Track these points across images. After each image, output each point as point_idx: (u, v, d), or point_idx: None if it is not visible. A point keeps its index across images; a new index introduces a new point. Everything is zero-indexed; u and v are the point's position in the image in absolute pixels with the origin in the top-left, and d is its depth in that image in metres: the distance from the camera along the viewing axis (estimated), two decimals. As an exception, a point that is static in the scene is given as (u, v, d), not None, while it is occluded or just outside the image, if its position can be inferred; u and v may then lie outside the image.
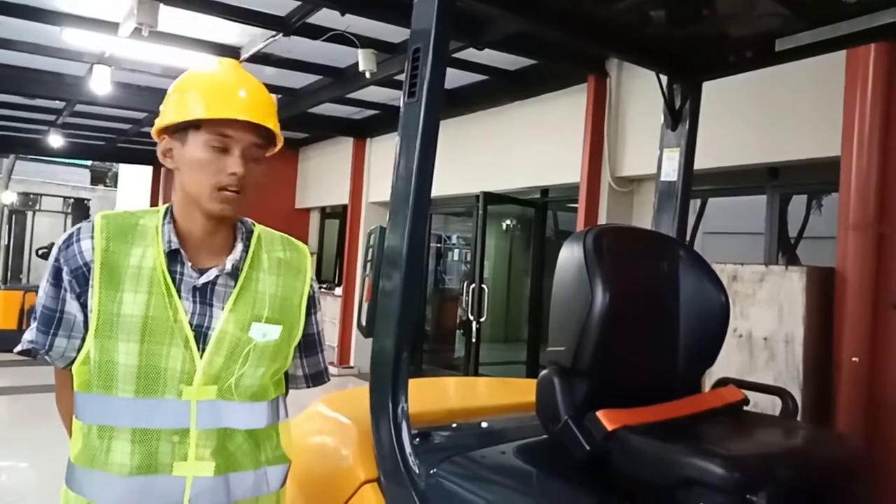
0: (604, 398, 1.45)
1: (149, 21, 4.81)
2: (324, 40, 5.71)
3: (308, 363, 1.52)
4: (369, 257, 1.68)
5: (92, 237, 1.31)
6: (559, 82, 6.20)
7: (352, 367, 9.07)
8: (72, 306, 1.31)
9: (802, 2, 1.80)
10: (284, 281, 1.42)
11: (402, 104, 1.63)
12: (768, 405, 1.93)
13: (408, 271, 1.57)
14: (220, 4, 5.18)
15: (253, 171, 1.33)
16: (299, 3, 5.14)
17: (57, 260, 1.32)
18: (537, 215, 7.53)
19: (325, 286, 10.27)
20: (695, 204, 5.66)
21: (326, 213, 11.03)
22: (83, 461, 1.31)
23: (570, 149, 5.91)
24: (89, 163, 20.87)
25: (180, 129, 1.32)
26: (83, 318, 1.30)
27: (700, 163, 2.27)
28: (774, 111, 4.49)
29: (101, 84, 6.86)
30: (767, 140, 4.57)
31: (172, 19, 5.34)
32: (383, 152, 8.91)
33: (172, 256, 1.32)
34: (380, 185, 8.98)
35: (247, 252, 1.39)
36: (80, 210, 11.95)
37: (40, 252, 9.88)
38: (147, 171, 14.68)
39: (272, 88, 6.76)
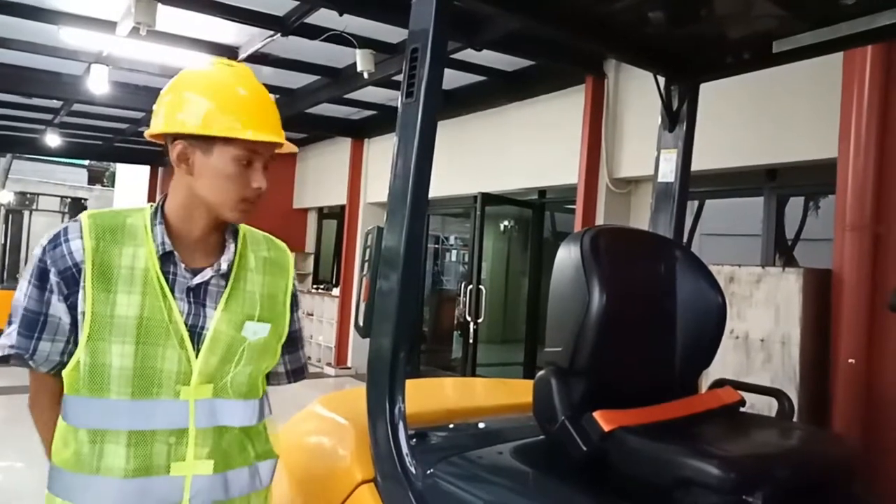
0: (601, 399, 1.45)
1: (147, 20, 4.81)
2: (322, 40, 5.70)
3: (290, 359, 1.53)
4: (367, 257, 1.68)
5: (81, 237, 1.28)
6: (557, 83, 6.21)
7: (349, 368, 9.06)
8: (57, 308, 1.28)
9: (800, 3, 1.80)
10: (270, 280, 1.44)
11: (399, 104, 1.63)
12: (765, 406, 1.94)
13: (405, 272, 1.57)
14: (218, 4, 5.17)
15: (266, 178, 1.36)
16: (297, 2, 5.14)
17: (42, 260, 1.28)
18: (535, 216, 7.54)
19: (322, 286, 10.27)
20: (692, 205, 5.67)
21: (324, 213, 11.02)
22: (72, 466, 1.28)
23: (567, 150, 5.92)
24: (87, 162, 20.84)
25: (205, 138, 1.29)
26: (69, 320, 1.28)
27: (697, 164, 2.28)
28: (772, 113, 4.50)
29: (98, 83, 6.85)
30: (765, 142, 4.58)
31: (170, 19, 5.33)
32: (381, 153, 8.91)
33: (165, 257, 1.32)
34: (377, 185, 8.98)
35: (235, 252, 1.41)
36: (77, 209, 11.94)
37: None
38: (144, 170, 14.65)
39: (270, 88, 6.74)
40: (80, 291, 1.27)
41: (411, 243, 1.57)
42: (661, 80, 2.19)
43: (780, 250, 5.17)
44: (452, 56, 5.67)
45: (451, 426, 1.81)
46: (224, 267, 1.36)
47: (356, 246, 9.15)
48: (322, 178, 10.35)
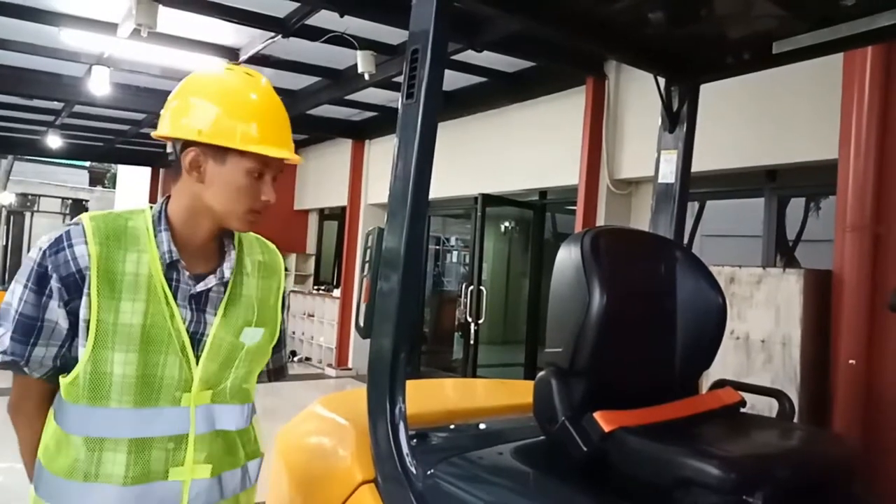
0: (601, 399, 1.45)
1: (148, 22, 4.81)
2: (323, 42, 5.71)
3: (273, 359, 1.53)
4: (367, 258, 1.68)
5: (85, 242, 1.25)
6: (557, 84, 6.21)
7: (350, 369, 9.06)
8: (56, 314, 1.25)
9: (800, 4, 1.80)
10: (262, 283, 1.45)
11: (400, 105, 1.64)
12: (765, 407, 1.94)
13: (406, 272, 1.57)
14: (219, 6, 5.18)
15: (275, 190, 1.36)
16: (298, 4, 5.14)
17: (41, 265, 1.24)
18: (535, 217, 7.54)
19: (323, 288, 10.27)
20: (693, 207, 5.67)
21: (325, 214, 11.02)
22: (67, 473, 1.26)
23: (568, 151, 5.92)
24: (88, 164, 20.86)
25: (219, 148, 1.28)
26: (67, 325, 1.26)
27: (698, 165, 2.28)
28: (772, 114, 4.50)
29: (99, 85, 6.86)
30: (765, 142, 4.58)
31: (171, 20, 5.34)
32: (382, 154, 8.92)
33: (169, 264, 1.31)
34: (378, 186, 8.98)
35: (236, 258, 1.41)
36: (78, 211, 11.97)
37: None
38: (145, 172, 14.66)
39: (271, 90, 6.74)
40: (84, 298, 1.24)
41: (412, 244, 1.58)
42: (662, 80, 2.19)
43: (781, 251, 5.17)
44: (453, 57, 5.67)
45: (452, 427, 1.81)
46: (227, 274, 1.36)
47: (357, 247, 9.15)
48: (323, 179, 10.35)
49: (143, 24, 4.80)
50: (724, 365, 3.22)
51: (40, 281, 1.25)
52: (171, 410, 1.29)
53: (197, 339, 1.32)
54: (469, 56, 5.63)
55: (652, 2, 1.82)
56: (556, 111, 6.34)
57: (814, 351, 3.42)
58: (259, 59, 6.28)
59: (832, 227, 3.43)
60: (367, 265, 1.67)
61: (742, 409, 1.68)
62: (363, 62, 5.77)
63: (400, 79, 1.66)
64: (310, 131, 9.67)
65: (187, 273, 1.32)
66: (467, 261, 10.09)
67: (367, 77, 5.97)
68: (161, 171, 14.39)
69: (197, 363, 1.31)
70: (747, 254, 5.60)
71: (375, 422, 1.59)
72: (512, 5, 1.87)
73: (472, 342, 6.51)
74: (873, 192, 3.22)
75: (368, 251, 1.68)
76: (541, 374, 1.53)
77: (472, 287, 6.44)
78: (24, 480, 1.41)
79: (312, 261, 11.03)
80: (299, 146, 10.92)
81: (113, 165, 19.54)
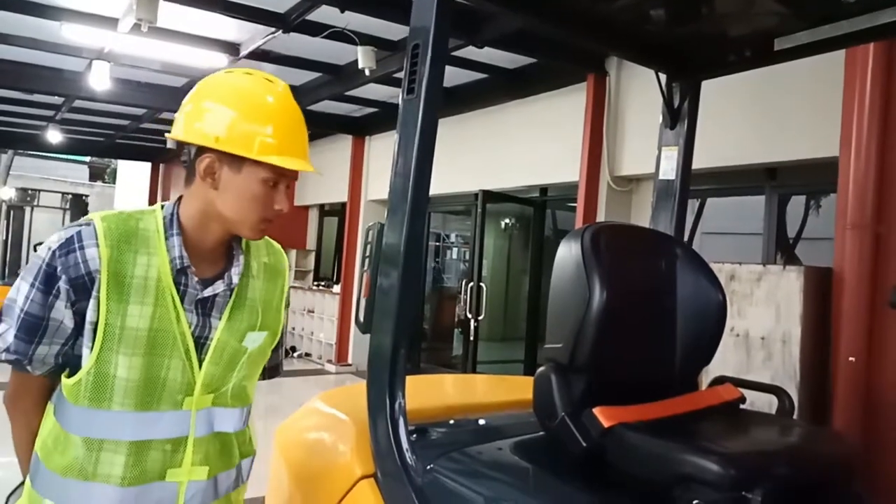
0: (601, 395, 1.45)
1: (148, 17, 4.80)
2: (323, 37, 5.70)
3: (269, 357, 1.52)
4: (367, 254, 1.68)
5: (97, 244, 1.23)
6: (558, 81, 6.20)
7: (350, 365, 9.07)
8: (62, 313, 1.24)
9: (801, 1, 1.80)
10: (267, 285, 1.44)
11: (400, 101, 1.63)
12: (765, 404, 1.94)
13: (406, 269, 1.57)
14: (220, 1, 5.17)
15: (289, 199, 1.35)
16: (299, -1, 5.14)
17: (51, 265, 1.23)
18: (536, 214, 7.53)
19: (323, 284, 10.27)
20: (693, 204, 5.67)
21: (325, 210, 11.02)
22: (65, 471, 1.26)
23: (568, 148, 5.91)
24: (88, 159, 20.83)
25: (235, 156, 1.25)
26: (72, 325, 1.25)
27: (698, 162, 2.27)
28: (773, 111, 4.49)
29: (100, 80, 6.85)
30: (766, 140, 4.57)
31: (172, 15, 5.33)
32: (382, 150, 8.91)
33: (179, 270, 1.30)
34: (379, 182, 8.98)
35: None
36: (78, 206, 11.97)
37: (38, 248, 9.88)
38: (145, 167, 14.67)
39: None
40: (92, 301, 1.23)
41: (412, 240, 1.57)
42: (663, 77, 2.19)
43: (782, 249, 5.17)
44: (454, 53, 5.66)
45: (452, 422, 1.81)
46: (235, 280, 1.36)
47: (357, 243, 9.15)
48: (323, 175, 10.30)
49: (143, 19, 4.79)
50: (724, 362, 3.22)
51: (48, 281, 1.23)
52: (173, 414, 1.29)
53: (201, 343, 1.32)
54: (470, 52, 5.62)
55: (654, -2, 1.82)
56: (556, 108, 6.33)
57: (814, 348, 3.42)
58: (259, 55, 6.27)
59: (832, 226, 3.43)
60: (367, 261, 1.67)
61: (742, 406, 1.68)
62: (364, 58, 5.77)
63: (400, 75, 1.65)
64: (310, 127, 9.40)
65: (195, 278, 1.31)
66: (467, 257, 10.09)
67: (367, 73, 5.96)
68: (161, 166, 14.41)
69: (200, 367, 1.31)
70: (748, 251, 5.60)
71: (375, 417, 1.59)
72: (514, 2, 1.87)
73: (471, 339, 6.52)
74: (874, 190, 3.22)
75: (369, 247, 1.68)
76: (540, 369, 1.53)
77: (472, 283, 6.45)
78: (19, 477, 1.41)
79: (312, 257, 11.03)
80: (300, 142, 10.88)
81: (113, 161, 19.54)
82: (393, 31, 5.58)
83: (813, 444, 1.57)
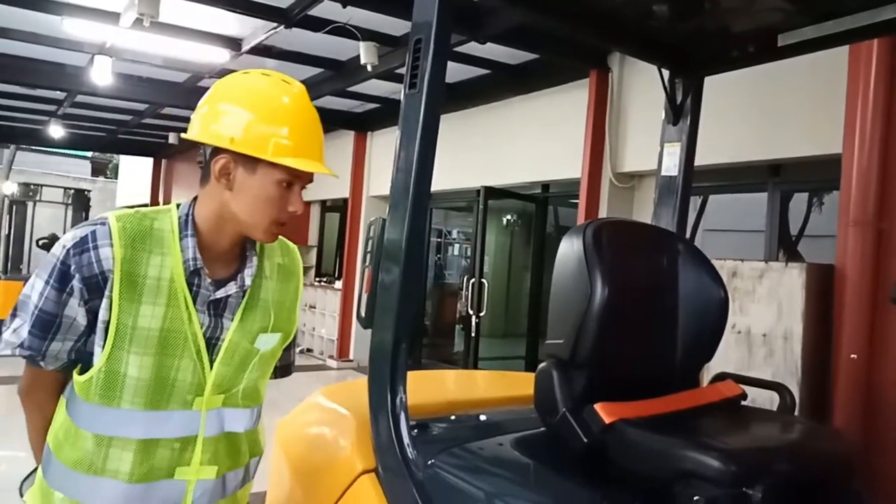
0: (602, 391, 1.45)
1: (150, 12, 4.80)
2: (325, 33, 5.69)
3: (281, 357, 1.52)
4: (369, 249, 1.68)
5: (111, 244, 1.24)
6: (561, 77, 6.19)
7: (351, 361, 9.09)
8: (75, 311, 1.25)
9: (805, -3, 1.79)
10: (280, 286, 1.44)
11: (402, 96, 1.63)
12: (766, 401, 1.94)
13: (407, 264, 1.57)
14: (222, -5, 5.17)
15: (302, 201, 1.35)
16: (301, -6, 5.13)
17: (65, 264, 1.24)
18: (538, 210, 7.53)
19: (325, 280, 10.28)
20: (695, 201, 5.66)
21: (327, 206, 11.02)
22: (75, 464, 1.28)
23: (571, 144, 5.90)
24: (90, 154, 20.86)
25: (251, 157, 1.25)
26: (85, 322, 1.26)
27: (701, 159, 2.27)
28: (776, 108, 4.48)
29: (101, 75, 6.85)
30: (769, 137, 4.56)
31: (174, 10, 5.33)
32: (384, 146, 8.91)
33: (192, 271, 1.30)
34: (380, 178, 8.98)
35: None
36: (80, 201, 11.95)
37: (41, 243, 9.88)
38: (147, 162, 14.67)
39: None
40: (104, 300, 1.24)
41: (413, 236, 1.57)
42: (666, 73, 2.18)
43: (784, 246, 5.16)
44: (456, 49, 5.65)
45: (453, 418, 1.81)
46: (248, 282, 1.36)
47: (359, 239, 9.16)
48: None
49: (145, 14, 4.79)
50: (726, 359, 3.22)
51: (62, 279, 1.24)
52: (182, 413, 1.30)
53: (212, 344, 1.32)
54: (472, 48, 5.61)
55: (657, -7, 1.81)
56: (559, 104, 6.32)
57: (815, 345, 3.42)
58: (261, 50, 6.26)
59: (835, 223, 3.42)
60: (368, 256, 1.67)
61: (743, 403, 1.68)
62: (366, 53, 5.76)
63: (402, 70, 1.65)
64: None
65: (208, 279, 1.31)
66: (469, 253, 10.09)
67: (369, 68, 5.96)
68: (163, 161, 14.41)
69: (211, 368, 1.31)
70: (750, 249, 5.59)
71: (376, 412, 1.59)
72: (515, -4, 1.86)
73: (473, 335, 6.52)
74: (877, 186, 3.21)
75: (370, 242, 1.68)
76: (542, 365, 1.53)
77: (473, 280, 6.45)
78: (25, 470, 1.42)
79: (314, 253, 11.04)
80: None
81: (115, 156, 19.55)
82: (395, 26, 5.57)
83: (813, 441, 1.57)
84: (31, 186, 12.17)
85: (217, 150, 1.27)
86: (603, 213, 5.68)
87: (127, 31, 5.60)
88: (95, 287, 1.24)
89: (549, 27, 3.25)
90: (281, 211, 1.30)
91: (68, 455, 1.28)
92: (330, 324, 9.60)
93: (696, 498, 1.21)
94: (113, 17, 5.54)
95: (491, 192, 6.89)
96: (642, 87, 5.44)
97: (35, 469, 1.41)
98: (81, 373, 1.29)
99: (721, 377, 1.76)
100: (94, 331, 1.26)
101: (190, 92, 7.86)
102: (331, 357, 9.28)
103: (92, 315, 1.25)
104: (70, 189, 12.59)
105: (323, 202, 11.03)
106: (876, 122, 3.23)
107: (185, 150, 12.03)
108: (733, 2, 1.86)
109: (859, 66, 3.30)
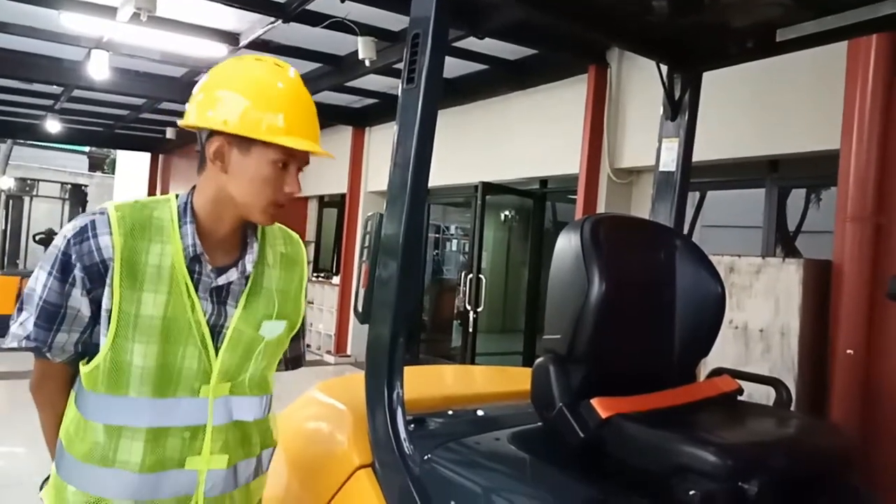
0: (599, 386, 1.45)
1: (147, 6, 4.79)
2: (323, 27, 5.68)
3: (291, 348, 1.53)
4: (366, 244, 1.68)
5: (110, 233, 1.25)
6: (560, 72, 6.18)
7: (349, 356, 9.09)
8: (79, 301, 1.26)
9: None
10: (284, 275, 1.44)
11: (400, 90, 1.63)
12: (763, 396, 1.94)
13: (404, 259, 1.57)
14: (219, -10, 5.15)
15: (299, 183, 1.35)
16: (299, -11, 5.11)
17: (66, 254, 1.25)
18: (536, 206, 7.52)
19: (322, 275, 10.28)
20: (693, 197, 5.66)
21: (325, 201, 11.00)
22: (86, 457, 1.28)
23: (569, 140, 5.90)
24: (87, 149, 20.79)
25: (244, 138, 1.26)
26: (89, 313, 1.27)
27: (699, 155, 2.27)
28: (774, 104, 4.48)
29: (99, 69, 6.83)
30: (767, 132, 4.56)
31: (171, 4, 5.31)
32: (382, 141, 8.89)
33: (193, 258, 1.30)
34: (378, 174, 8.96)
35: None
36: (77, 196, 11.94)
37: (37, 238, 9.88)
38: (145, 157, 14.63)
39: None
40: (106, 288, 1.25)
41: (411, 231, 1.57)
42: (664, 68, 2.18)
43: (782, 242, 5.17)
44: (454, 44, 5.64)
45: (450, 412, 1.81)
46: (249, 268, 1.36)
47: (357, 234, 9.15)
48: (323, 166, 10.27)
49: (142, 8, 4.78)
50: (723, 354, 3.23)
51: (64, 269, 1.25)
52: (190, 401, 1.30)
53: (217, 332, 1.32)
54: (470, 43, 5.60)
55: (655, -12, 1.81)
56: (557, 99, 6.31)
57: (812, 341, 3.43)
58: (259, 45, 6.24)
59: (833, 219, 3.42)
60: (366, 251, 1.67)
61: (739, 398, 1.69)
62: (364, 48, 5.74)
63: (401, 66, 1.64)
64: None
65: (209, 266, 1.32)
66: (467, 249, 10.09)
67: (367, 63, 5.94)
68: (160, 156, 14.38)
69: (216, 355, 1.32)
70: (748, 244, 5.60)
71: (373, 407, 1.60)
72: (514, -9, 1.85)
73: (470, 330, 6.53)
74: (875, 182, 3.22)
75: (368, 237, 1.68)
76: (539, 360, 1.53)
77: (471, 275, 6.45)
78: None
79: (312, 248, 11.03)
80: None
81: (112, 151, 19.50)
82: (393, 21, 5.55)
83: (810, 435, 1.58)
84: (28, 181, 12.16)
85: (212, 135, 1.28)
86: (601, 209, 5.68)
87: (124, 25, 5.58)
88: (97, 276, 1.25)
89: (548, 22, 3.24)
90: (277, 192, 1.30)
91: (79, 448, 1.29)
92: (328, 319, 9.60)
93: (692, 492, 1.22)
94: (110, 11, 5.52)
95: (489, 188, 6.89)
96: (641, 82, 5.44)
97: None
98: (87, 363, 1.29)
99: (718, 372, 1.76)
100: (99, 322, 1.26)
101: (187, 87, 7.80)
102: (328, 352, 9.28)
103: (95, 305, 1.26)
104: (67, 184, 12.58)
105: (321, 197, 11.02)
106: (874, 117, 3.23)
107: (183, 145, 12.01)
108: (732, -3, 1.85)
109: (858, 60, 3.30)
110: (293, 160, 1.31)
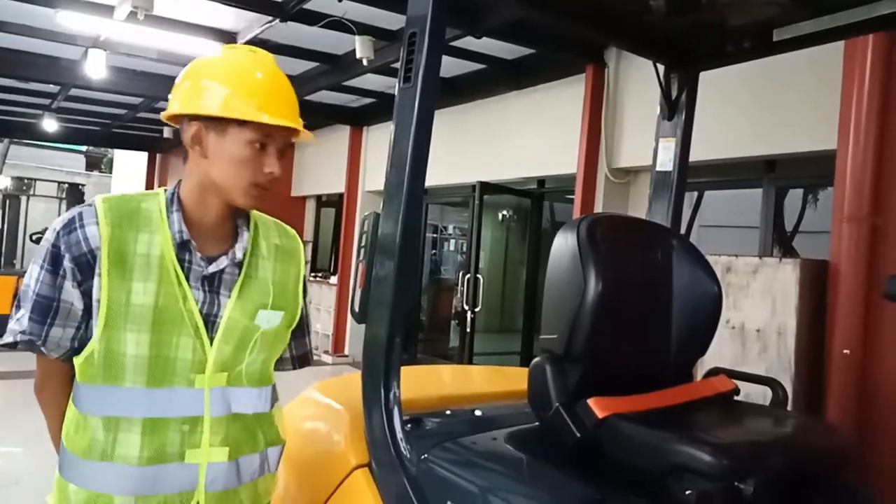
0: (595, 386, 1.45)
1: (144, 5, 4.78)
2: (321, 27, 5.67)
3: (296, 345, 1.54)
4: (363, 243, 1.67)
5: (97, 223, 1.26)
6: (557, 72, 6.18)
7: (346, 356, 9.09)
8: (71, 294, 1.27)
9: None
10: (281, 267, 1.44)
11: (397, 89, 1.63)
12: (759, 396, 1.94)
13: (401, 259, 1.57)
14: (217, -11, 5.14)
15: (281, 165, 1.35)
16: (296, -12, 5.10)
17: (55, 246, 1.26)
18: (533, 206, 7.53)
19: (320, 275, 10.27)
20: (691, 197, 5.66)
21: (322, 201, 11.00)
22: (85, 453, 1.28)
23: (567, 139, 5.90)
24: (84, 148, 20.75)
25: (220, 121, 1.29)
26: (82, 307, 1.27)
27: (696, 154, 2.27)
28: (771, 103, 4.49)
29: (96, 68, 6.81)
30: (764, 132, 4.57)
31: (168, 3, 5.30)
32: (380, 141, 8.88)
33: (181, 245, 1.31)
34: (376, 173, 8.96)
35: (249, 239, 1.41)
36: (74, 195, 11.91)
37: (34, 237, 9.85)
38: (142, 156, 14.61)
39: (269, 75, 6.69)
40: (96, 279, 1.25)
41: (408, 230, 1.57)
42: (661, 68, 2.18)
43: (779, 242, 5.18)
44: (452, 43, 5.64)
45: (446, 412, 1.81)
46: (239, 255, 1.36)
47: (354, 234, 9.14)
48: (320, 166, 10.32)
49: (139, 7, 4.77)
50: (720, 354, 3.23)
51: (54, 261, 1.26)
52: (185, 391, 1.30)
53: (211, 321, 1.32)
54: (468, 42, 5.60)
55: (652, -12, 1.80)
56: (555, 99, 6.32)
57: (809, 341, 3.43)
58: (256, 44, 6.17)
59: (830, 219, 3.43)
60: (362, 250, 1.67)
61: (736, 398, 1.69)
62: (361, 48, 5.74)
63: (398, 65, 1.64)
64: (307, 117, 9.36)
65: (199, 254, 1.32)
66: (465, 249, 10.09)
67: (365, 63, 5.94)
68: (158, 156, 14.35)
69: (211, 345, 1.32)
70: (745, 244, 5.60)
71: (370, 407, 1.59)
72: (511, -10, 1.85)
73: (468, 330, 6.53)
74: (871, 182, 3.22)
75: (364, 236, 1.68)
76: (535, 360, 1.53)
77: (469, 275, 6.45)
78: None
79: (309, 248, 11.02)
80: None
81: (109, 150, 19.46)
82: (391, 20, 5.55)
83: (806, 435, 1.58)
84: (25, 181, 12.12)
85: (189, 121, 1.31)
86: (598, 209, 5.68)
87: (121, 24, 5.57)
88: (86, 266, 1.26)
89: (546, 22, 3.24)
90: (257, 173, 1.31)
91: (79, 445, 1.29)
92: (325, 319, 9.59)
93: (688, 492, 1.22)
94: (107, 9, 5.50)
95: (487, 188, 6.89)
96: (638, 82, 5.44)
97: None
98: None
99: (714, 372, 1.77)
100: (93, 315, 1.27)
101: (185, 86, 7.81)
102: (326, 352, 9.28)
103: (88, 298, 1.27)
104: (64, 183, 12.55)
105: (318, 197, 11.01)
106: (871, 117, 3.24)
107: (180, 144, 11.92)
108: (729, -4, 1.85)
109: (855, 60, 3.31)
110: (271, 140, 1.32)
